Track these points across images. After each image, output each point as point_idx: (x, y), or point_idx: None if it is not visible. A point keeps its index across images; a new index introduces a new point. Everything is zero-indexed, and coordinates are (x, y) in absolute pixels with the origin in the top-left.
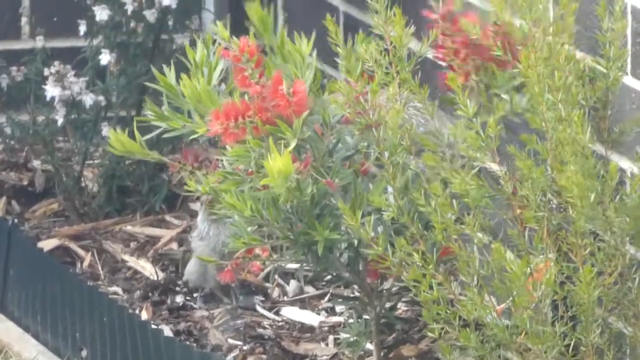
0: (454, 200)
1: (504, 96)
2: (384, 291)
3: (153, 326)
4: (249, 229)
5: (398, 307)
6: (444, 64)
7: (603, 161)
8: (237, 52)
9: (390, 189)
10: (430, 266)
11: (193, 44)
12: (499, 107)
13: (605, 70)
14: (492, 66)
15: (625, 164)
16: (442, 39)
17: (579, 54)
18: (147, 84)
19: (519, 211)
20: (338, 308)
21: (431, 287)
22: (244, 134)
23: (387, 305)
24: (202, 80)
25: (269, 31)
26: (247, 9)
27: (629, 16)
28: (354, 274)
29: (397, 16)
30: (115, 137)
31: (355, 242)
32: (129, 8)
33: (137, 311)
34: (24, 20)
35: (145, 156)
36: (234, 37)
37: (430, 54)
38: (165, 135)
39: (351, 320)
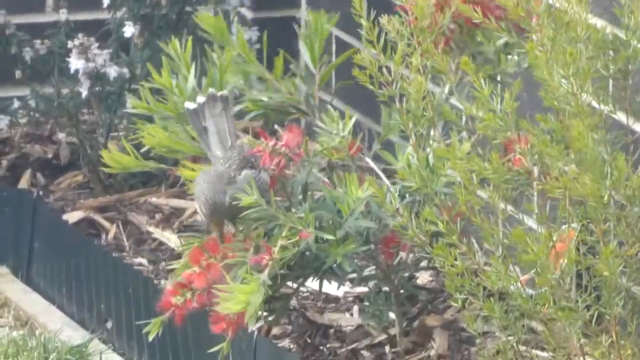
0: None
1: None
2: (400, 263)
3: None
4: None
5: (423, 277)
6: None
7: (624, 131)
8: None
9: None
10: (454, 236)
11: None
12: (486, 68)
13: (625, 40)
14: (472, 28)
15: None
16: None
17: (600, 23)
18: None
19: (539, 187)
20: None
21: (455, 259)
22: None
23: (406, 275)
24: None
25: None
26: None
27: None
28: (368, 257)
29: None
30: (108, 156)
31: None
32: None
33: (162, 282)
34: None
35: (142, 167)
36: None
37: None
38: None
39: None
